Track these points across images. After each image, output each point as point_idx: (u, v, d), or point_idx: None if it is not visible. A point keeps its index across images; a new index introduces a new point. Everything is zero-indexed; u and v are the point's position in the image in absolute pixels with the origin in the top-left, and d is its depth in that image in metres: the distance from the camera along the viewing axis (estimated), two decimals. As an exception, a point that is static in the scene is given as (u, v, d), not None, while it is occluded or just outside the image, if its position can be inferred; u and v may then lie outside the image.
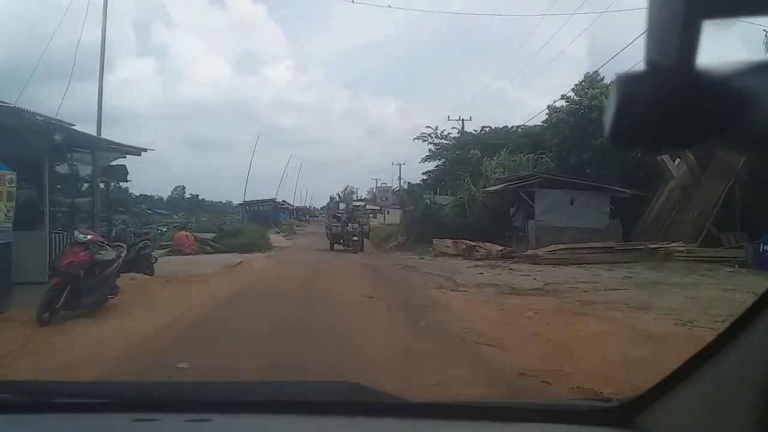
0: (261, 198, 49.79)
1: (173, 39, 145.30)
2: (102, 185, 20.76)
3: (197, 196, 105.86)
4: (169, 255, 21.29)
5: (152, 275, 14.41)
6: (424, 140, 34.60)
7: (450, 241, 23.55)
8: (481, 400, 2.60)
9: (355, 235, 25.51)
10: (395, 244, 27.57)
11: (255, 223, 43.76)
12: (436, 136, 34.11)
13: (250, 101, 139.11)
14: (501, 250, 21.39)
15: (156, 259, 14.95)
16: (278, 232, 41.64)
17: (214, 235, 24.39)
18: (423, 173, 35.78)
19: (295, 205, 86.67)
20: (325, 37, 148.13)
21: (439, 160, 34.03)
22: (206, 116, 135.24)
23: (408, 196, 56.19)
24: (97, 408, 1.78)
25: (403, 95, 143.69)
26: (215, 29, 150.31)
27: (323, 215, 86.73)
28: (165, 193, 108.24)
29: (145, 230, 36.83)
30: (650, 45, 0.60)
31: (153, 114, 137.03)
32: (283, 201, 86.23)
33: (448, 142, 33.77)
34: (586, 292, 12.00)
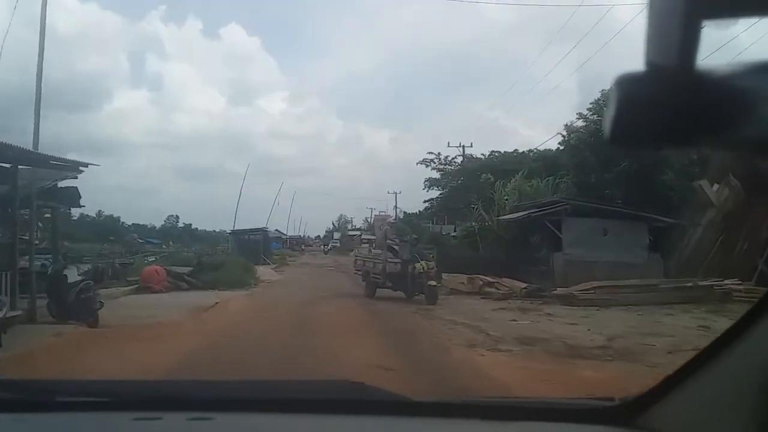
0: (252, 227, 46.75)
1: (167, 70, 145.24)
2: (47, 210, 17.42)
3: (190, 225, 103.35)
4: (135, 293, 17.89)
5: (95, 325, 11.06)
6: (428, 165, 31.59)
7: (465, 277, 20.23)
8: (483, 399, 2.19)
9: (426, 278, 16.60)
10: None
11: (244, 254, 40.41)
12: (440, 162, 31.12)
13: (244, 131, 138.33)
14: (525, 288, 18.11)
15: (101, 304, 11.57)
16: (268, 264, 38.24)
17: (190, 269, 20.97)
18: (425, 201, 32.63)
19: (288, 234, 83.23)
20: (319, 67, 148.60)
21: (442, 188, 30.95)
22: (200, 146, 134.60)
23: (406, 225, 53.22)
24: (99, 406, 1.76)
25: (396, 124, 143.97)
26: (209, 61, 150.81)
27: (318, 244, 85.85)
28: (158, 222, 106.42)
29: (131, 260, 33.65)
30: (650, 45, 0.59)
31: (147, 144, 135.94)
32: (276, 230, 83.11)
33: (452, 167, 30.73)
34: (671, 353, 8.69)
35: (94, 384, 2.64)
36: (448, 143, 31.22)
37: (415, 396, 1.82)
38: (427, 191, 31.86)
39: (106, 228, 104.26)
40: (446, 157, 30.69)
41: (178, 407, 1.71)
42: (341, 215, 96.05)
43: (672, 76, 0.57)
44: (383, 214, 36.81)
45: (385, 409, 1.73)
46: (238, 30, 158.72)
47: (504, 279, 19.78)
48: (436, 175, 31.38)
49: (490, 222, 23.60)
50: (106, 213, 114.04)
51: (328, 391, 1.92)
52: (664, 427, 1.37)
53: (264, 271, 27.91)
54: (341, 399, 1.77)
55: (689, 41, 0.55)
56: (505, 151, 29.18)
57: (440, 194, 31.55)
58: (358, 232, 78.75)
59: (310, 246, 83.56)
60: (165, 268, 20.77)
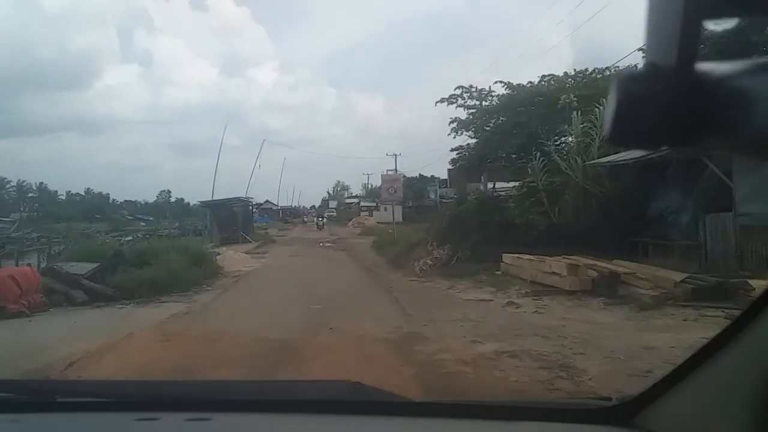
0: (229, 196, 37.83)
1: (157, 45, 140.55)
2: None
3: (182, 199, 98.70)
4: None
5: None
6: (453, 103, 22.75)
7: (556, 261, 11.66)
8: (482, 400, 2.22)
9: None
10: (430, 261, 15.76)
11: (221, 229, 31.80)
12: (470, 96, 22.22)
13: (236, 103, 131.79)
14: (686, 282, 9.61)
15: None
16: (248, 242, 29.64)
17: (97, 265, 12.30)
18: (452, 149, 23.62)
19: (280, 204, 74.67)
20: (310, 37, 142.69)
21: (475, 132, 22.18)
22: (193, 120, 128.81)
23: (408, 190, 44.64)
24: (99, 407, 1.74)
25: (389, 92, 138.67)
26: (198, 33, 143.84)
27: (312, 214, 77.58)
28: (151, 198, 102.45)
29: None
30: (650, 45, 0.59)
31: (139, 120, 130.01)
32: (267, 201, 74.44)
33: (488, 103, 21.90)
34: None
35: (94, 384, 2.92)
36: (480, 72, 22.57)
37: (413, 397, 1.84)
38: (454, 137, 23.01)
39: (94, 206, 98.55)
40: (481, 90, 21.82)
41: (176, 408, 1.68)
42: (338, 181, 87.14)
43: (672, 76, 0.56)
44: (393, 173, 27.80)
45: (384, 410, 1.70)
46: (225, 1, 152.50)
47: (618, 262, 11.37)
48: (462, 115, 22.55)
49: (572, 171, 15.01)
50: (96, 190, 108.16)
51: (326, 391, 1.87)
52: (663, 427, 1.34)
53: (233, 258, 19.31)
54: (340, 399, 1.72)
55: (689, 41, 0.55)
56: (581, 71, 20.09)
57: (471, 142, 22.70)
58: (356, 199, 70.19)
59: (304, 216, 75.07)
60: (52, 268, 12.12)
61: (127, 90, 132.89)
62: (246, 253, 23.97)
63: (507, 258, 13.64)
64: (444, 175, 59.88)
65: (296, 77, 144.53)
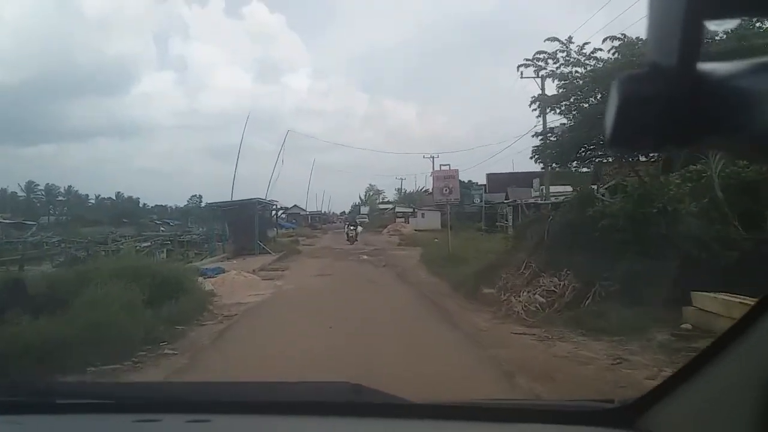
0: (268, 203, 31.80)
1: (192, 51, 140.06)
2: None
3: (213, 204, 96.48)
4: None
5: None
6: (536, 67, 16.45)
7: None
8: (483, 401, 1.95)
9: None
10: (540, 297, 9.45)
11: (236, 237, 26.11)
12: (567, 59, 15.96)
13: (269, 109, 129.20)
14: None
15: None
16: (266, 253, 23.77)
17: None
18: (535, 134, 17.28)
19: (308, 209, 68.85)
20: (342, 42, 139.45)
21: (570, 107, 15.95)
22: (227, 125, 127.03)
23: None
24: (98, 409, 1.72)
25: (421, 97, 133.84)
26: (233, 40, 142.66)
27: (342, 221, 71.47)
28: (182, 203, 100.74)
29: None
30: (651, 45, 0.58)
31: (173, 125, 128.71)
32: (296, 205, 68.84)
33: (590, 64, 15.57)
34: None
35: (94, 386, 2.90)
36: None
37: (413, 398, 1.69)
38: (538, 116, 16.68)
39: (124, 210, 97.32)
40: (580, 47, 15.49)
41: (176, 409, 1.66)
42: (370, 185, 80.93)
43: (673, 76, 0.55)
44: (447, 169, 21.59)
45: (384, 412, 1.66)
46: (260, 8, 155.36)
47: None
48: (559, 84, 16.24)
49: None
50: (126, 195, 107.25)
51: (326, 393, 1.81)
52: (664, 430, 1.33)
53: (237, 281, 13.38)
54: (339, 401, 1.67)
55: (690, 41, 0.54)
56: None
57: (565, 122, 16.35)
58: (390, 205, 64.12)
59: (333, 223, 69.28)
60: None
61: (162, 96, 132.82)
62: (261, 269, 18.09)
63: (701, 299, 7.43)
64: (482, 181, 53.79)
65: (328, 83, 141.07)
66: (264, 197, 29.54)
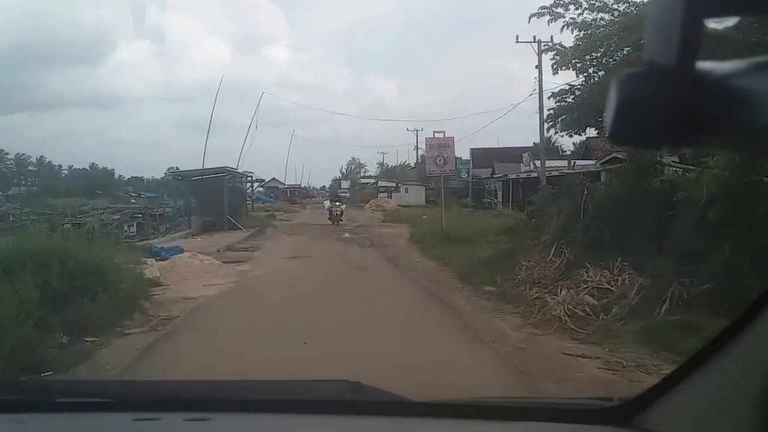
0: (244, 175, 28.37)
1: (170, 21, 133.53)
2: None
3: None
4: None
5: None
6: (558, 13, 13.70)
7: None
8: (483, 399, 1.91)
9: None
10: (592, 299, 7.01)
11: (203, 211, 23.16)
12: (592, 5, 13.21)
13: (249, 82, 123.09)
14: None
15: None
16: (238, 228, 20.90)
17: None
18: (551, 96, 14.53)
19: (287, 183, 65.53)
20: (324, 16, 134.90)
21: (580, 63, 13.34)
22: (205, 98, 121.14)
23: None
24: (98, 407, 1.68)
25: (403, 72, 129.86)
26: (212, 11, 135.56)
27: (322, 195, 68.30)
28: (159, 175, 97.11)
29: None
30: (650, 44, 0.58)
31: (151, 96, 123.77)
32: (274, 178, 65.53)
33: (620, 9, 12.87)
34: None
35: (93, 384, 2.76)
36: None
37: (413, 396, 1.67)
38: (554, 74, 13.90)
39: (98, 182, 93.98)
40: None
41: (175, 408, 1.62)
42: (351, 158, 77.57)
43: (672, 76, 0.54)
44: (440, 136, 18.82)
45: (384, 410, 1.62)
46: None
47: None
48: (579, 36, 13.51)
49: None
50: (102, 166, 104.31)
51: (326, 391, 1.77)
52: (664, 427, 1.30)
53: (192, 266, 10.64)
54: (339, 399, 1.65)
55: (689, 41, 0.53)
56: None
57: (586, 79, 13.64)
58: (372, 180, 61.22)
59: (314, 198, 66.15)
60: None
61: (139, 66, 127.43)
62: (227, 249, 15.33)
63: None
64: (466, 156, 51.10)
65: (310, 55, 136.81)
66: (236, 167, 26.37)
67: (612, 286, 7.02)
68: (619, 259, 7.39)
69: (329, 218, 26.05)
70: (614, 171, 9.20)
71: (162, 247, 14.75)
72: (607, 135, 0.60)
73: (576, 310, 6.91)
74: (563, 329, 6.61)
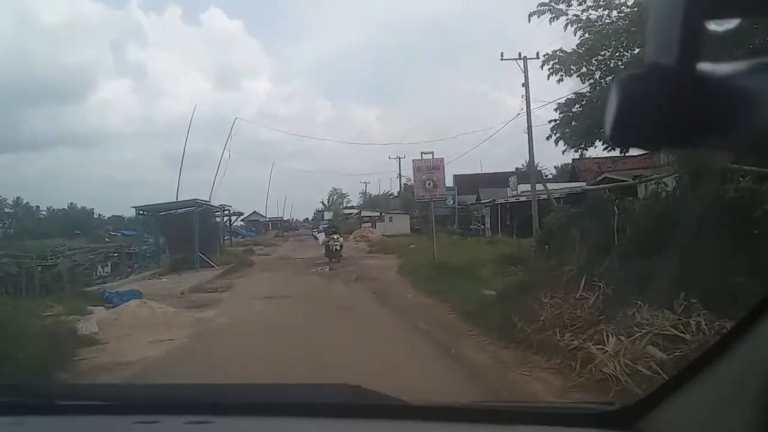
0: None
1: (150, 58, 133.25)
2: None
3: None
4: None
5: None
6: (559, 11, 12.22)
7: None
8: (483, 403, 2.04)
9: None
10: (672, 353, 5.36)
11: (172, 248, 21.10)
12: (597, 2, 11.83)
13: (229, 116, 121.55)
14: None
15: None
16: (211, 266, 18.86)
17: None
18: (556, 108, 13.09)
19: (267, 216, 63.40)
20: (303, 48, 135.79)
21: (584, 68, 11.87)
22: (185, 134, 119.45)
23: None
24: (98, 410, 1.69)
25: (383, 102, 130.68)
26: (192, 47, 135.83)
27: (308, 227, 65.86)
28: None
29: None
30: (651, 45, 0.58)
31: (131, 133, 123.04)
32: (255, 212, 63.50)
33: (628, 5, 11.50)
34: None
35: (93, 388, 2.75)
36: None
37: (413, 400, 1.64)
38: (558, 81, 12.34)
39: (77, 221, 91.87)
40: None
41: (176, 411, 1.61)
42: (333, 189, 75.67)
43: (673, 76, 0.54)
44: (429, 158, 17.21)
45: (384, 413, 1.61)
46: (218, 14, 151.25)
47: None
48: (565, 43, 12.01)
49: None
50: (80, 206, 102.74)
51: (326, 394, 1.76)
52: (665, 431, 1.29)
53: (140, 318, 8.67)
54: (340, 403, 1.63)
55: (690, 41, 0.53)
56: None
57: (591, 86, 12.17)
58: (355, 210, 59.40)
59: (296, 230, 64.01)
60: None
61: (121, 103, 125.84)
62: (192, 291, 13.32)
63: None
64: (449, 182, 49.68)
65: (291, 88, 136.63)
66: (208, 200, 24.43)
67: (683, 333, 5.25)
68: (683, 294, 5.65)
69: (325, 254, 21.84)
70: (679, 182, 7.38)
71: (117, 292, 12.76)
72: (607, 136, 0.58)
73: (638, 366, 5.11)
74: (626, 395, 4.81)
